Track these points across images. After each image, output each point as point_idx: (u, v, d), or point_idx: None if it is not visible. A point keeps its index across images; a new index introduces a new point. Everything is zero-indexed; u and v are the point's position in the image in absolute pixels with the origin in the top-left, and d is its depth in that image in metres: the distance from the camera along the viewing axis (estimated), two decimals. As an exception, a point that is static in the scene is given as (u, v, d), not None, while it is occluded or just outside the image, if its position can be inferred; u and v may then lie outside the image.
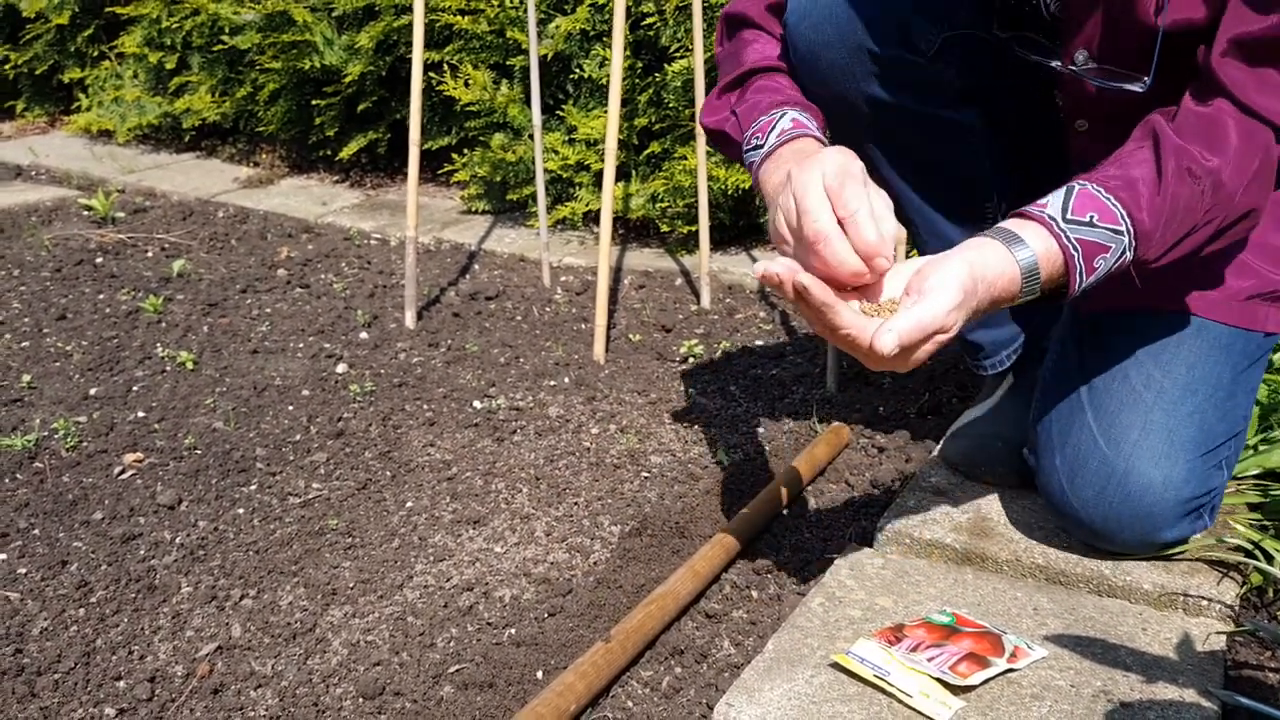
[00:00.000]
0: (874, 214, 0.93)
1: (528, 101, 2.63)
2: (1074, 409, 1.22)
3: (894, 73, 1.23)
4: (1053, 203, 0.98)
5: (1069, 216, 0.97)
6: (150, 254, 2.56)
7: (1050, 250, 0.96)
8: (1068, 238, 0.96)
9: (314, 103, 3.01)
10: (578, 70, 2.63)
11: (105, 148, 3.55)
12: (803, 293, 0.87)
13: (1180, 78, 1.07)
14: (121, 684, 1.07)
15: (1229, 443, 1.20)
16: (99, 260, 2.48)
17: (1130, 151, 1.03)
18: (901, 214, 1.43)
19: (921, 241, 1.44)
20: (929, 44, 1.22)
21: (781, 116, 1.15)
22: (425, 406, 1.75)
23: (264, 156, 3.36)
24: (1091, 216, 0.97)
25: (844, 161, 0.96)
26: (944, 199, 1.37)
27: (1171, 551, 1.20)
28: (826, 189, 0.95)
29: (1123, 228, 0.98)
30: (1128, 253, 0.99)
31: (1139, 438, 1.16)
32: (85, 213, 2.84)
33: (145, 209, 2.92)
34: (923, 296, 0.90)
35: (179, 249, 2.60)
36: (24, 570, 1.26)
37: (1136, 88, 1.09)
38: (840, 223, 0.93)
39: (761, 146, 1.14)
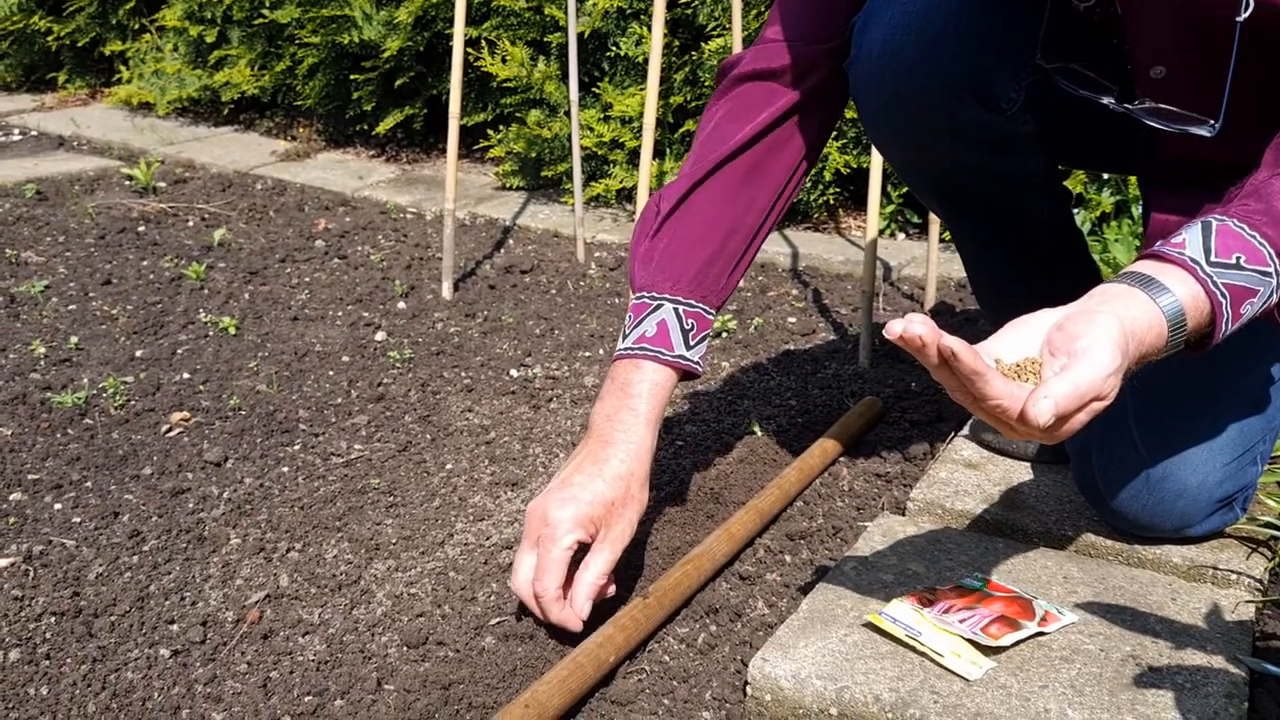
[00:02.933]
0: (560, 598, 1.06)
1: (564, 78, 2.65)
2: (1115, 409, 1.22)
3: (974, 133, 1.15)
4: (1190, 241, 0.88)
5: (1213, 259, 0.87)
6: (191, 223, 2.61)
7: (1196, 297, 0.86)
8: (1214, 283, 0.86)
9: (352, 77, 3.04)
10: (614, 48, 2.65)
11: (145, 120, 3.60)
12: (950, 359, 0.77)
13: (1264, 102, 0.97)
14: (175, 627, 1.11)
15: (1266, 438, 1.21)
16: (141, 229, 2.53)
17: (1266, 180, 0.92)
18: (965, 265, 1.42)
19: (983, 295, 1.43)
20: (1010, 102, 1.13)
21: (655, 311, 1.16)
22: (463, 374, 1.78)
23: (301, 130, 3.40)
24: (1238, 258, 0.87)
25: (567, 518, 1.07)
26: (1004, 246, 1.32)
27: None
28: (537, 551, 1.07)
29: (1270, 269, 0.88)
30: (1274, 295, 0.89)
31: (1178, 444, 1.15)
32: (127, 182, 2.89)
33: (185, 180, 2.97)
34: (1076, 359, 0.80)
35: (219, 219, 2.64)
36: (78, 520, 1.30)
37: (1203, 131, 0.98)
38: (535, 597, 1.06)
39: (624, 338, 1.17)
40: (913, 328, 0.77)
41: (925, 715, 0.94)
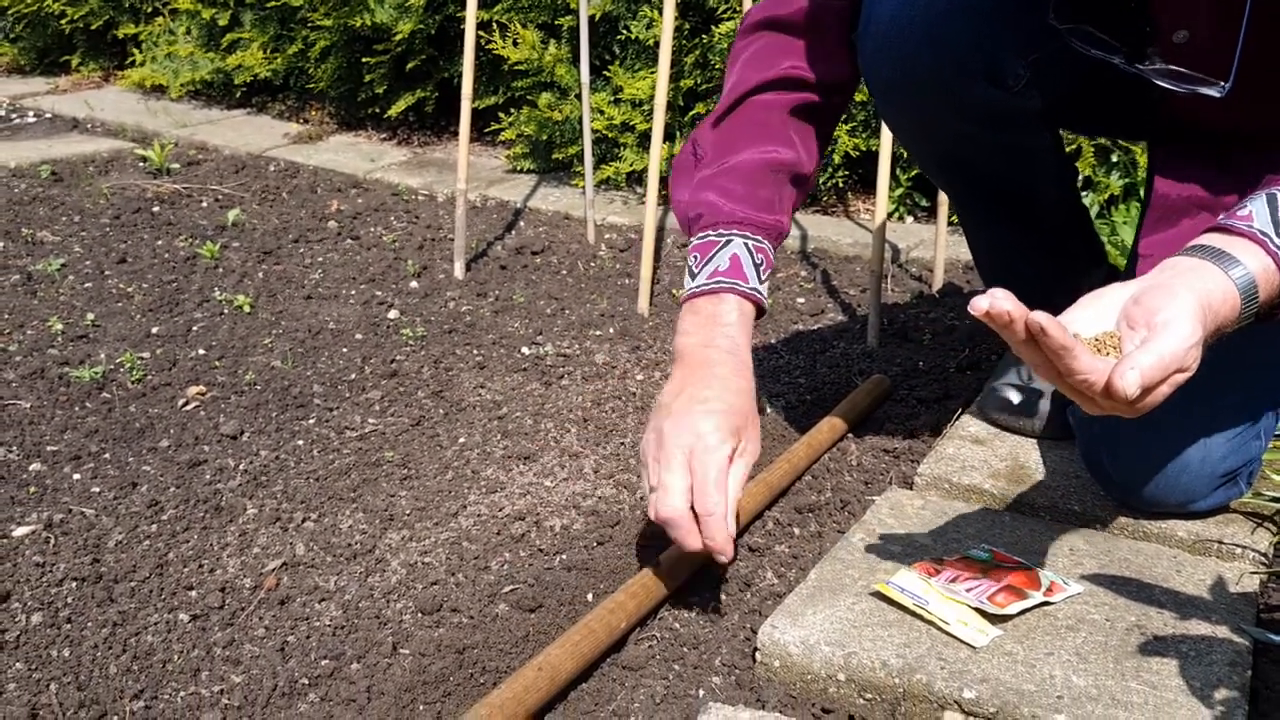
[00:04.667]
0: (728, 513, 1.00)
1: (575, 61, 2.66)
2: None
3: (981, 109, 1.17)
4: (1258, 214, 0.89)
5: None
6: (205, 204, 2.62)
7: (1268, 269, 0.87)
8: None
9: (364, 60, 3.05)
10: (625, 31, 2.65)
11: (159, 102, 3.62)
12: (1038, 334, 0.77)
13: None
14: (193, 593, 1.13)
15: (1270, 413, 1.22)
16: (155, 209, 2.55)
17: None
18: (971, 243, 1.44)
19: (985, 270, 1.44)
20: (1017, 79, 1.14)
21: (725, 246, 1.13)
22: (475, 351, 1.80)
23: (313, 113, 3.41)
24: None
25: (713, 429, 1.01)
26: (1009, 220, 1.34)
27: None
28: (690, 468, 1.01)
29: None
30: None
31: (1180, 419, 1.15)
32: (141, 164, 2.90)
33: (198, 162, 2.98)
34: (1157, 331, 0.81)
35: (232, 200, 2.66)
36: (97, 489, 1.32)
37: (1213, 92, 0.98)
38: (694, 514, 0.99)
39: (693, 277, 1.14)
40: (999, 303, 0.76)
41: (932, 680, 0.95)
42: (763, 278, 1.15)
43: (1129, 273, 1.26)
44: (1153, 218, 1.22)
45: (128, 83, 3.75)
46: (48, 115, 3.49)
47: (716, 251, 1.13)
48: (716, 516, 0.99)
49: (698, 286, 1.13)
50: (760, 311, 1.16)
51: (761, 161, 1.17)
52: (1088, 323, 0.86)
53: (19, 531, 1.21)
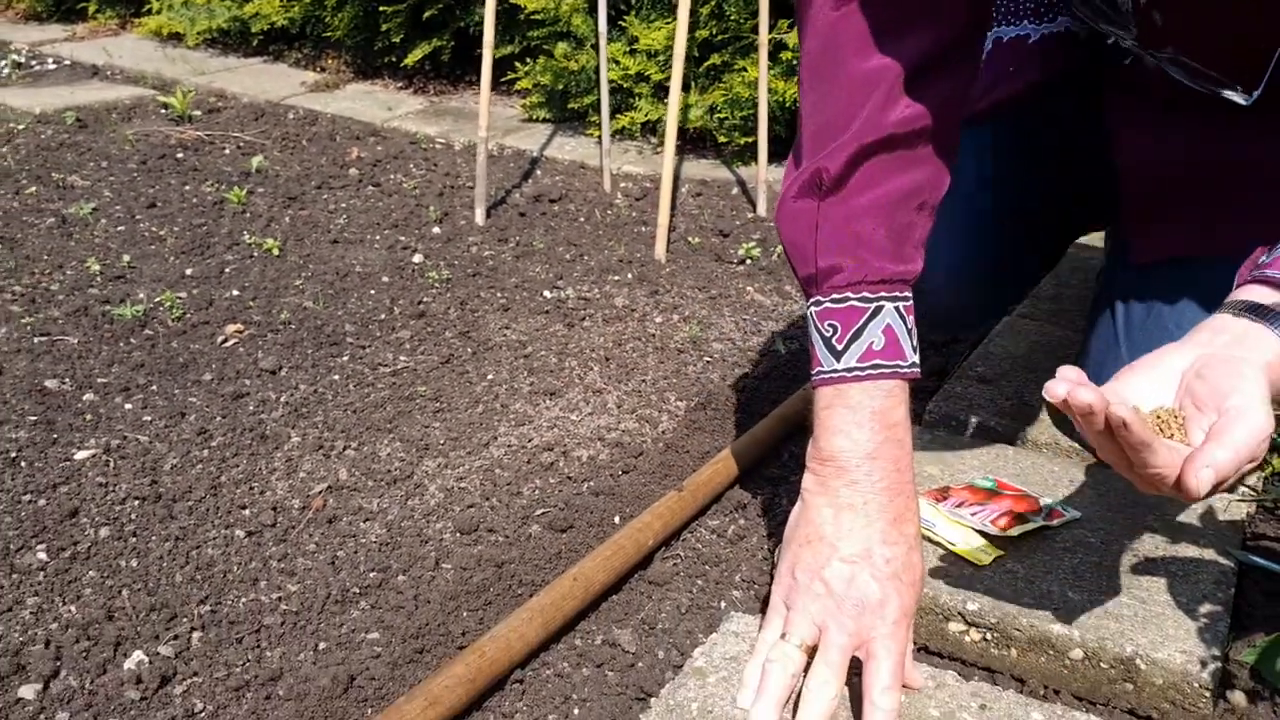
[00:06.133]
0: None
1: (592, 11, 2.69)
2: (1110, 341, 1.29)
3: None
4: None
5: None
6: (227, 151, 2.67)
7: None
8: None
9: (380, 9, 3.09)
10: (642, -19, 2.69)
11: (176, 50, 3.65)
12: (1119, 428, 0.72)
13: None
14: (246, 512, 1.20)
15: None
16: (180, 155, 2.60)
17: None
18: None
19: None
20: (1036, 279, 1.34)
21: (875, 315, 0.91)
22: (499, 294, 1.86)
23: (330, 62, 3.45)
24: None
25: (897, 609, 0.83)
26: None
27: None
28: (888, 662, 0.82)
29: None
30: None
31: None
32: (163, 110, 2.95)
33: (219, 109, 3.03)
34: (1231, 421, 0.75)
35: (254, 147, 2.70)
36: (149, 418, 1.40)
37: (1238, 98, 0.93)
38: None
39: (837, 355, 0.91)
40: (1080, 395, 0.71)
41: (938, 594, 1.03)
42: (915, 344, 0.94)
43: (1119, 265, 1.28)
44: (1134, 205, 1.24)
45: (144, 30, 3.78)
46: (67, 62, 3.52)
47: (865, 323, 0.91)
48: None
49: (848, 371, 0.91)
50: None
51: (905, 189, 0.93)
52: (1146, 394, 0.81)
53: (80, 455, 1.29)
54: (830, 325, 0.92)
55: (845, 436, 0.90)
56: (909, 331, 0.93)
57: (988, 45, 1.30)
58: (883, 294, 0.91)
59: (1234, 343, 0.81)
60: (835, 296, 0.92)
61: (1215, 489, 0.74)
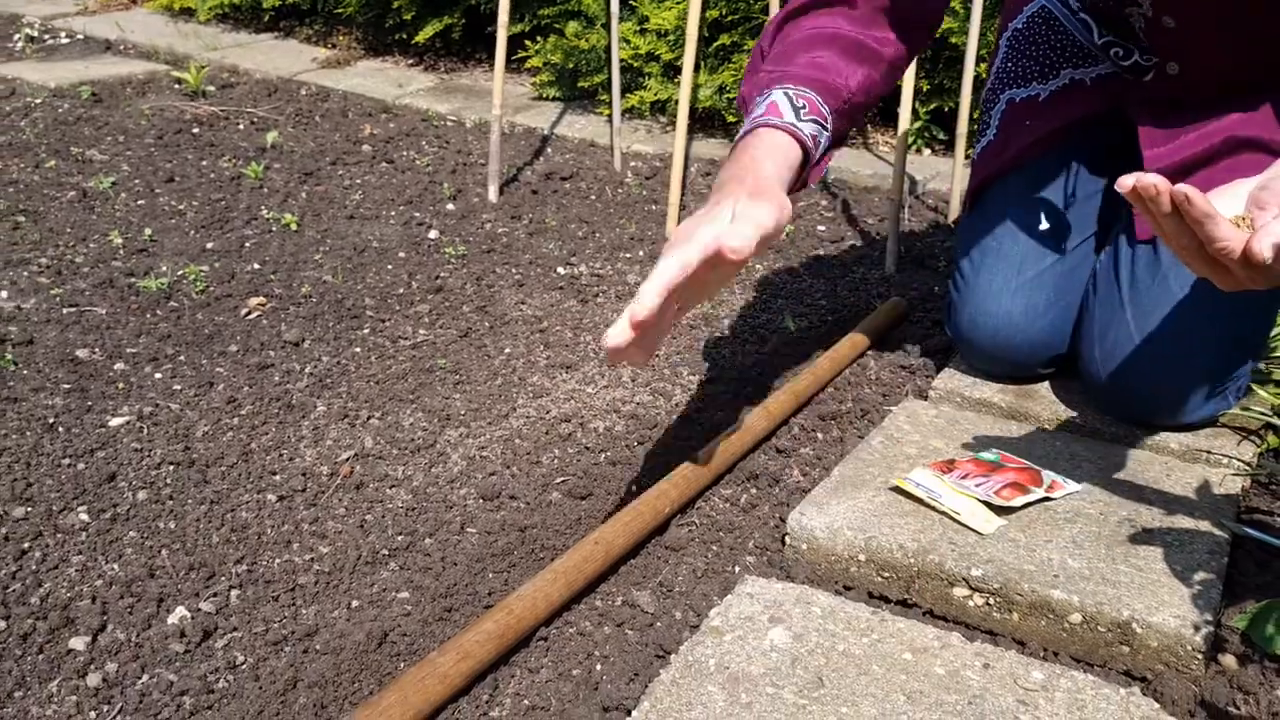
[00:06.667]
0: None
1: (604, -10, 2.72)
2: (1115, 305, 1.34)
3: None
4: None
5: None
6: (242, 126, 2.71)
7: None
8: None
9: (393, -14, 3.11)
10: (653, -39, 2.71)
11: (188, 25, 3.67)
12: (1183, 203, 0.82)
13: None
14: (277, 477, 1.25)
15: (1256, 332, 1.32)
16: (195, 130, 2.63)
17: None
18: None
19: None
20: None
21: (763, 99, 1.10)
22: (513, 270, 1.90)
23: (341, 39, 3.47)
24: None
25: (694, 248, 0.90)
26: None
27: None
28: (664, 283, 0.89)
29: None
30: None
31: (1170, 334, 1.27)
32: (177, 85, 2.98)
33: (232, 85, 3.06)
34: None
35: (268, 122, 2.74)
36: (178, 387, 1.44)
37: None
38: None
39: (750, 116, 1.11)
40: (1146, 179, 0.82)
41: (943, 560, 1.07)
42: (803, 117, 1.08)
43: (1125, 242, 1.37)
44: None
45: (155, 5, 3.80)
46: (80, 36, 3.55)
47: (754, 106, 1.11)
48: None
49: (739, 135, 1.09)
50: (805, 153, 1.08)
51: (821, 35, 1.17)
52: (1221, 208, 0.89)
53: (115, 421, 1.33)
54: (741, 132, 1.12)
55: (722, 173, 1.05)
56: (797, 108, 1.09)
57: (1001, 105, 1.47)
58: (774, 88, 1.11)
59: None
60: (749, 114, 1.13)
61: (1277, 262, 0.82)
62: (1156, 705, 0.90)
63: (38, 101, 2.75)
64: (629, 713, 0.88)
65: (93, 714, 0.90)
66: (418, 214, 2.16)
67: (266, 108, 2.86)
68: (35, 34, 3.54)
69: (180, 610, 1.02)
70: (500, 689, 0.94)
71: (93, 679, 0.93)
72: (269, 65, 3.24)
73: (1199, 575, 1.06)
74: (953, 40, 2.42)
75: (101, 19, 3.76)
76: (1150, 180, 0.82)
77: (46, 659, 0.95)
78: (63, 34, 3.57)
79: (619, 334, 0.86)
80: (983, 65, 2.35)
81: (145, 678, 0.94)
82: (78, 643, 0.97)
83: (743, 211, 0.93)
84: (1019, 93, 1.45)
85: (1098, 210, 1.45)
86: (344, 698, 0.92)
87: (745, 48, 2.61)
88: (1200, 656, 0.97)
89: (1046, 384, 1.46)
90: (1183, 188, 0.82)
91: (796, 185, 1.11)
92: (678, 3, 2.68)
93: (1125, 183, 0.83)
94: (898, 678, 0.93)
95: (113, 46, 3.44)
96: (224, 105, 2.85)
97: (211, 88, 2.98)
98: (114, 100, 2.83)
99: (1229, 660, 1.00)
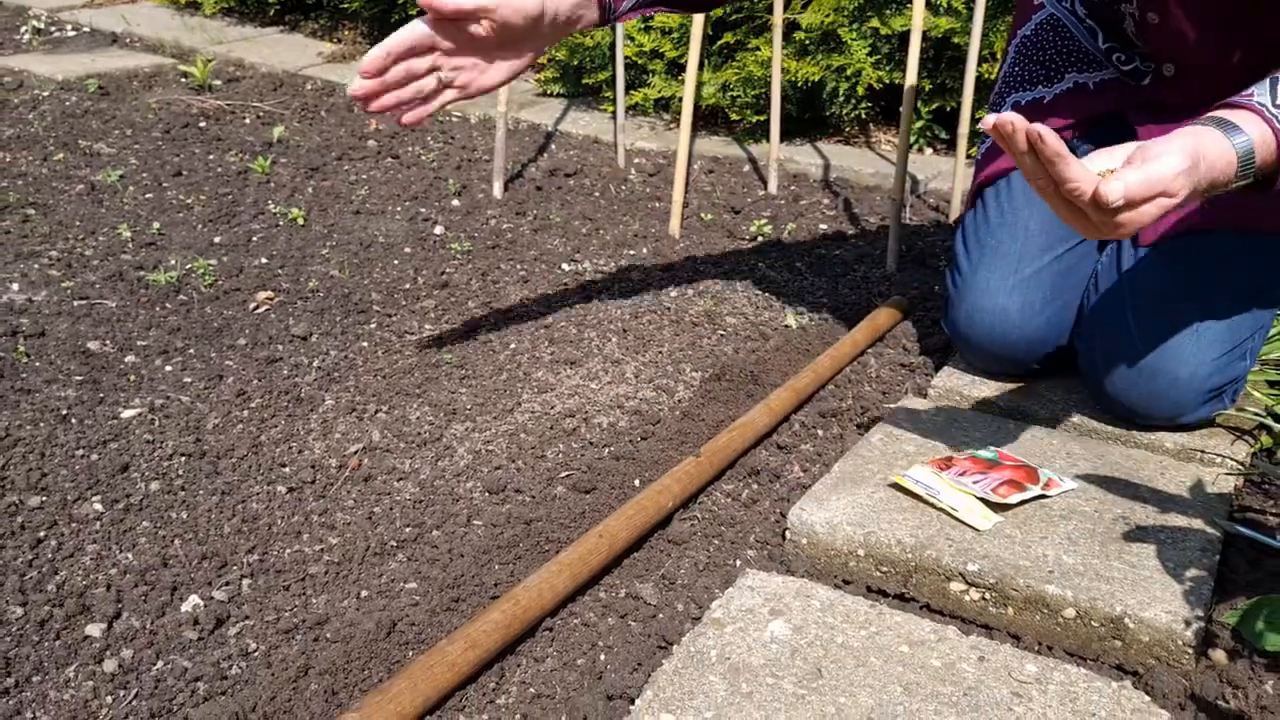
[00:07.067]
0: None
1: (608, -12, 2.73)
2: (1116, 306, 1.36)
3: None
4: (1259, 91, 1.01)
5: (1278, 103, 1.00)
6: (248, 121, 2.73)
7: (1265, 136, 0.99)
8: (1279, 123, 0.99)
9: (399, -18, 3.12)
10: (658, -41, 2.72)
11: (194, 18, 3.69)
12: (1036, 142, 0.87)
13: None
14: (287, 469, 1.27)
15: (1255, 335, 1.34)
16: (202, 124, 2.65)
17: None
18: None
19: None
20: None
21: None
22: (518, 266, 1.92)
23: (346, 33, 3.49)
24: None
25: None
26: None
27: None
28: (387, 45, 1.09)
29: None
30: None
31: (1170, 336, 1.30)
32: (183, 79, 3.00)
33: (238, 79, 3.07)
34: (1149, 160, 0.91)
35: (274, 117, 2.75)
36: (188, 380, 1.46)
37: None
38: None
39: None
40: (1004, 116, 0.88)
41: (940, 556, 1.10)
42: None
43: (1126, 247, 1.41)
44: None
45: (161, -2, 3.82)
46: (86, 29, 3.56)
47: None
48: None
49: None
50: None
51: None
52: (1100, 163, 0.95)
53: (127, 413, 1.36)
54: None
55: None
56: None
57: (1006, 108, 1.50)
58: None
59: (1179, 133, 0.95)
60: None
61: (1129, 207, 0.88)
62: (1147, 698, 0.93)
63: (45, 94, 2.77)
64: (632, 701, 0.91)
65: (109, 698, 0.92)
66: (423, 210, 2.18)
67: (272, 102, 2.87)
68: (42, 26, 3.55)
69: (193, 598, 1.04)
70: (507, 677, 0.97)
71: (109, 664, 0.96)
72: (275, 59, 3.26)
73: (1191, 572, 1.08)
74: (955, 40, 2.44)
75: (107, 12, 3.77)
76: (1008, 117, 0.87)
77: (64, 645, 0.98)
78: (69, 27, 3.58)
79: (354, 85, 1.09)
80: (984, 65, 2.37)
81: (160, 664, 0.96)
82: (94, 629, 0.99)
83: None
84: (1024, 96, 1.48)
85: None
86: (354, 685, 0.94)
87: (749, 46, 2.63)
88: (1191, 651, 0.99)
89: (1044, 383, 1.48)
90: (1037, 127, 0.86)
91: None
92: None
93: (987, 121, 0.89)
94: (895, 669, 0.95)
95: (119, 39, 3.46)
96: (230, 99, 2.87)
97: (217, 82, 3.00)
98: (121, 93, 2.85)
99: (1219, 655, 1.02)
